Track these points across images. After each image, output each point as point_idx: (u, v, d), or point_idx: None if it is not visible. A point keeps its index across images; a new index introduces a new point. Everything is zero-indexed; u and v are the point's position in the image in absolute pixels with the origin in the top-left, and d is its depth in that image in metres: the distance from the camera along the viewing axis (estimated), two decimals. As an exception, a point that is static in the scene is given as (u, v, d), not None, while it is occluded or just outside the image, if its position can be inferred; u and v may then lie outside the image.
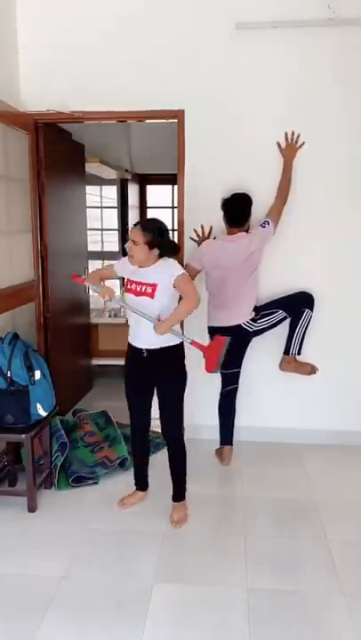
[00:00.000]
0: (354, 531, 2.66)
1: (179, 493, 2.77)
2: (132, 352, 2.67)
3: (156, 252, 2.53)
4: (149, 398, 2.74)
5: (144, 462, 2.87)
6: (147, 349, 2.60)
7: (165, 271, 2.55)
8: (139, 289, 2.57)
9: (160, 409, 2.72)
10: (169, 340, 2.59)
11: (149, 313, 2.52)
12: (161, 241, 2.52)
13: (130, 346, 2.68)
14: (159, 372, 2.65)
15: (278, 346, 3.39)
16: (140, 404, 2.75)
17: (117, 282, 4.73)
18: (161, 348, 2.58)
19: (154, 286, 2.54)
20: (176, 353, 2.64)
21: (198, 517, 2.75)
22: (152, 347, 2.59)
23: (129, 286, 2.62)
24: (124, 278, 2.78)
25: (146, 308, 2.53)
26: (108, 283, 2.81)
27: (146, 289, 2.55)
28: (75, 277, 2.72)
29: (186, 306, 2.54)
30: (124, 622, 2.06)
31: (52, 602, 2.16)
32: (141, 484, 2.88)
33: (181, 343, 2.64)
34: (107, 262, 2.70)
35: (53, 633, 2.01)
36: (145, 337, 2.58)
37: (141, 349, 2.61)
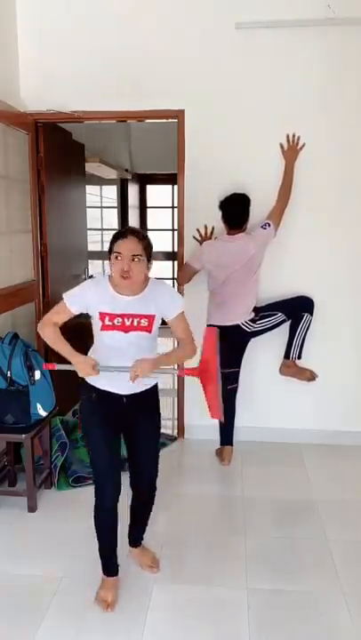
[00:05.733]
0: (354, 531, 2.66)
1: (141, 537, 2.39)
2: (105, 399, 2.05)
3: (149, 268, 2.00)
4: (120, 447, 2.16)
5: (115, 546, 2.17)
6: (127, 395, 2.05)
7: (164, 299, 2.02)
8: (129, 323, 1.97)
9: (134, 453, 2.17)
10: (151, 380, 2.08)
11: (144, 350, 1.99)
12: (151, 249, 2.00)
13: (98, 390, 2.04)
14: (138, 414, 2.10)
15: (278, 346, 3.40)
16: (116, 460, 2.11)
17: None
18: (142, 391, 2.07)
19: (151, 318, 1.99)
20: (156, 392, 2.16)
21: (198, 517, 2.75)
22: (134, 391, 2.04)
23: (110, 322, 1.97)
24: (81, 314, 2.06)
25: (140, 346, 1.99)
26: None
27: (141, 322, 1.98)
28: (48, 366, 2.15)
29: (185, 353, 2.05)
30: (124, 622, 2.06)
31: (51, 602, 2.16)
32: (113, 568, 2.19)
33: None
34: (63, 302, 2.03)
35: (53, 633, 2.01)
36: (126, 382, 1.93)
37: (121, 396, 2.04)
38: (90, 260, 4.72)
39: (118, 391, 2.04)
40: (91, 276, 4.69)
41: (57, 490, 3.01)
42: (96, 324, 2.02)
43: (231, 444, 3.38)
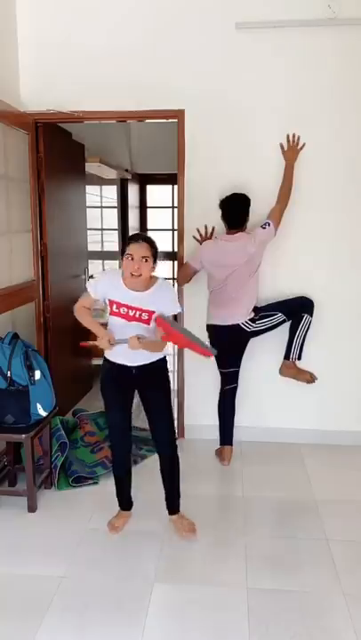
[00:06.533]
0: (354, 531, 2.66)
1: (177, 504, 2.65)
2: (117, 370, 2.47)
3: (154, 269, 2.37)
4: (130, 411, 2.60)
5: (128, 483, 2.67)
6: (136, 367, 2.45)
7: (165, 301, 2.38)
8: (132, 314, 2.35)
9: (151, 418, 2.56)
10: (158, 354, 2.46)
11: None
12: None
13: (111, 363, 2.47)
14: (148, 385, 2.52)
15: (278, 346, 3.39)
16: (125, 420, 2.57)
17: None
18: (151, 362, 2.45)
19: (151, 313, 2.36)
20: (163, 362, 2.54)
21: (198, 517, 2.74)
22: (142, 363, 2.44)
23: (117, 310, 2.37)
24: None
25: (136, 334, 2.32)
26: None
27: (142, 315, 2.36)
28: (83, 345, 2.46)
29: (160, 349, 2.42)
30: (124, 622, 2.06)
31: (52, 602, 2.16)
32: (126, 504, 2.70)
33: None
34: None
35: (53, 633, 2.01)
36: (135, 355, 2.37)
37: (130, 367, 2.44)
38: (90, 260, 4.71)
39: (128, 363, 2.44)
40: (91, 276, 4.70)
41: (57, 490, 3.01)
42: (107, 309, 2.43)
43: (231, 443, 3.38)
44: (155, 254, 2.34)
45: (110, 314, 2.41)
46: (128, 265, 2.29)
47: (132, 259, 2.28)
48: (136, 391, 2.57)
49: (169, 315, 2.37)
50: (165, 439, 2.58)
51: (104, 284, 2.42)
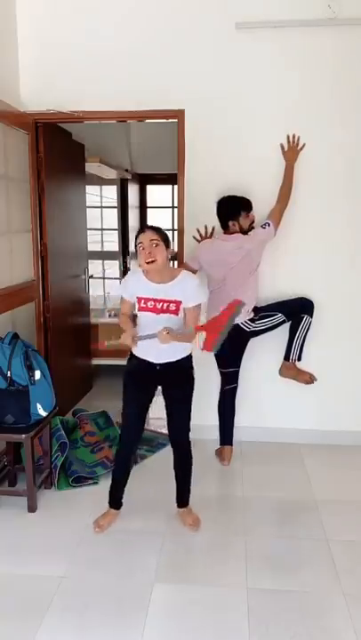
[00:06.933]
0: (354, 531, 2.66)
1: (186, 499, 2.71)
2: (142, 366, 2.51)
3: (168, 253, 2.41)
4: (147, 410, 2.64)
5: (124, 482, 2.67)
6: (161, 363, 2.49)
7: (189, 289, 2.41)
8: (160, 306, 2.40)
9: (170, 415, 2.61)
10: (184, 351, 2.50)
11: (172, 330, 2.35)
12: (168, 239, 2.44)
13: (139, 360, 2.52)
14: (172, 382, 2.55)
15: (278, 346, 3.40)
16: (140, 419, 2.61)
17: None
18: (176, 360, 2.49)
19: (178, 303, 2.41)
20: (188, 361, 2.57)
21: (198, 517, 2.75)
22: (167, 360, 2.48)
23: (145, 304, 2.42)
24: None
25: (166, 325, 2.35)
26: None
27: (169, 306, 2.40)
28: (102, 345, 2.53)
29: (189, 339, 2.43)
30: (124, 622, 2.06)
31: (52, 602, 2.16)
32: (117, 503, 2.69)
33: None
34: (112, 293, 2.39)
35: (53, 633, 2.01)
36: (160, 352, 2.43)
37: (155, 364, 2.48)
38: (90, 260, 4.71)
39: (153, 360, 2.48)
40: (91, 276, 4.71)
41: (57, 490, 3.01)
42: (135, 306, 2.48)
43: (231, 443, 3.38)
44: (164, 239, 2.39)
45: (139, 310, 2.46)
46: (141, 255, 2.36)
47: (143, 247, 2.35)
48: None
49: (194, 303, 2.43)
50: (182, 435, 2.61)
51: (130, 282, 2.52)
